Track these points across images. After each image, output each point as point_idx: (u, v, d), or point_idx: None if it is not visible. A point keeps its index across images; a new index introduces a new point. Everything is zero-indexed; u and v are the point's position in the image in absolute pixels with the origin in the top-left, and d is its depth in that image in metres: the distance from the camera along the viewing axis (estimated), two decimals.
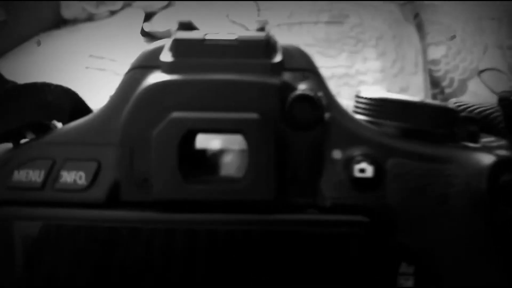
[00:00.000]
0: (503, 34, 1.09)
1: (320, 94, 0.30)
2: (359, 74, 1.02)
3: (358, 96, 0.33)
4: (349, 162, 0.30)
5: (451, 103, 0.37)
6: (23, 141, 0.32)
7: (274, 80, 0.30)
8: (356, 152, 0.30)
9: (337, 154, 0.30)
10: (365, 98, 0.32)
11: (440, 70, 1.08)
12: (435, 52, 1.08)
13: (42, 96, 0.33)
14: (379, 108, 0.32)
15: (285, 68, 0.31)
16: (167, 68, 0.30)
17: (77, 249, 0.29)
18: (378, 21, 1.08)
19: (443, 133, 0.32)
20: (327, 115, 0.30)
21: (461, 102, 0.36)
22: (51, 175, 0.30)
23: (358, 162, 0.30)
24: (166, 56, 0.31)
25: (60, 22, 1.15)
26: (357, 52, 1.05)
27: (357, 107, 0.33)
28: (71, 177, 0.30)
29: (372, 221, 0.29)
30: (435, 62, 1.07)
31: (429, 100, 0.32)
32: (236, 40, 0.30)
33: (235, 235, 0.30)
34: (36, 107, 0.32)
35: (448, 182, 0.30)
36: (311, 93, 0.29)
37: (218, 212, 0.29)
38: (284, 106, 0.29)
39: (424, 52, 1.08)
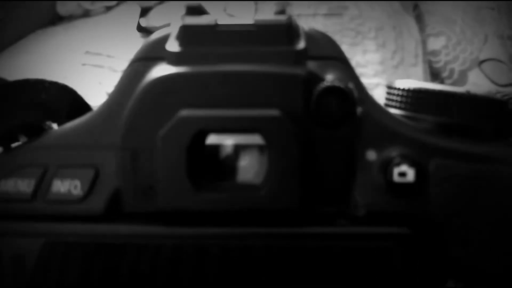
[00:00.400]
0: (503, 24, 1.05)
1: (350, 85, 0.24)
2: (359, 67, 0.97)
3: (391, 88, 0.28)
4: (386, 165, 0.25)
5: (493, 94, 0.31)
6: (14, 144, 0.28)
7: (298, 71, 0.25)
8: (394, 152, 0.25)
9: (371, 155, 0.25)
10: (401, 89, 0.27)
11: (440, 61, 1.03)
12: (435, 43, 1.03)
13: (35, 94, 0.29)
14: (418, 100, 0.26)
15: (310, 57, 0.25)
16: (174, 59, 0.25)
17: (72, 269, 0.26)
18: (378, 12, 1.03)
19: (491, 129, 0.26)
20: (359, 109, 0.25)
21: (505, 93, 0.31)
22: (43, 184, 0.26)
23: (397, 164, 0.25)
24: (173, 46, 0.26)
25: (55, 19, 1.10)
26: (356, 44, 1.00)
27: (389, 100, 0.28)
28: (65, 186, 0.26)
29: (414, 233, 0.24)
30: (435, 53, 1.02)
31: (474, 91, 0.26)
32: (253, 25, 0.25)
33: (254, 252, 0.25)
34: (29, 106, 0.29)
35: (501, 185, 0.25)
36: (340, 85, 0.24)
37: (233, 225, 0.25)
38: (310, 101, 0.24)
39: (424, 43, 1.04)
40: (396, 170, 0.25)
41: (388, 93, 0.28)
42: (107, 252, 0.25)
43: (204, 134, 0.25)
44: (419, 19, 1.07)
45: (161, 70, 0.25)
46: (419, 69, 1.01)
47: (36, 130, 0.28)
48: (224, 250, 0.25)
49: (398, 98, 0.27)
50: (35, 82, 0.29)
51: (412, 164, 0.24)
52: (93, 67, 0.95)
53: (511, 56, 1.04)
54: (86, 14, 1.11)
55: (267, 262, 0.25)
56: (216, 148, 0.27)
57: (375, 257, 0.24)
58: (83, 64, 0.96)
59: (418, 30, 1.06)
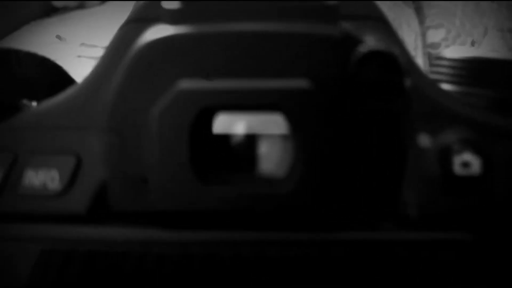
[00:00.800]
0: (503, 16, 0.99)
1: (395, 50, 0.18)
2: None
3: (440, 58, 0.21)
4: (444, 153, 0.19)
5: None
6: None
7: (331, 30, 0.18)
8: (453, 136, 0.19)
9: (425, 140, 0.19)
10: (454, 60, 0.20)
11: (440, 54, 0.98)
12: (435, 36, 0.98)
13: (7, 66, 0.24)
14: (476, 73, 0.20)
15: (343, 15, 0.19)
16: (172, 17, 0.19)
17: (48, 280, 0.20)
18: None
19: None
20: (407, 81, 0.18)
21: None
22: (12, 175, 0.20)
23: (459, 152, 0.18)
24: (171, 2, 0.19)
25: (50, 11, 1.05)
26: None
27: (437, 73, 0.21)
28: (40, 178, 0.20)
29: (479, 240, 0.18)
30: (434, 45, 0.97)
31: None
32: None
33: (276, 263, 0.18)
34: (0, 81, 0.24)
35: None
36: (385, 49, 0.17)
37: (250, 229, 0.18)
38: (347, 69, 0.18)
39: (423, 35, 0.98)
40: (457, 160, 0.18)
41: (436, 65, 0.22)
42: (90, 261, 0.19)
43: (211, 112, 0.19)
44: (419, 11, 1.02)
45: (157, 31, 0.19)
46: (419, 61, 0.96)
47: (9, 110, 0.22)
48: (238, 260, 0.19)
49: (450, 71, 0.21)
50: (7, 51, 0.24)
51: (477, 151, 0.18)
52: (88, 59, 0.90)
53: (510, 48, 0.99)
54: (81, 5, 1.07)
55: (293, 276, 0.18)
56: (226, 135, 0.21)
57: (430, 271, 0.18)
58: (79, 56, 0.91)
59: (418, 22, 1.01)
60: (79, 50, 0.93)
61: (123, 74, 0.19)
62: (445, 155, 0.19)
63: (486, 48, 0.98)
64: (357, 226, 0.19)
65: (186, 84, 0.18)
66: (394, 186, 0.19)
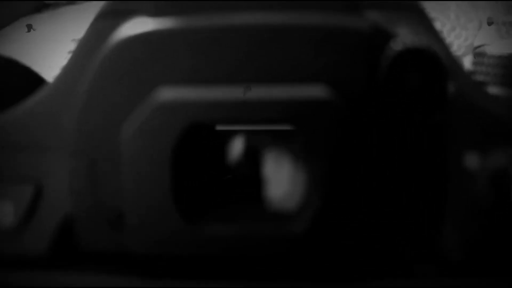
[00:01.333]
0: (498, 9, 0.95)
1: (434, 47, 0.13)
2: None
3: (481, 55, 0.16)
4: (498, 177, 0.14)
5: None
6: None
7: (356, 23, 0.14)
8: (509, 156, 0.14)
9: (473, 161, 0.14)
10: (501, 57, 0.16)
11: (482, 50, 0.94)
12: None
13: None
14: None
15: (369, 3, 0.14)
16: (154, 8, 0.15)
17: None
18: None
19: None
20: (451, 87, 0.13)
21: None
22: None
23: None
24: None
25: (40, 6, 1.00)
26: None
27: (482, 74, 0.16)
28: None
29: None
30: None
31: None
32: None
33: None
34: None
35: None
36: (425, 45, 0.13)
37: (249, 280, 0.14)
38: (376, 72, 0.13)
39: None
40: None
41: (479, 64, 0.17)
42: None
43: (201, 128, 0.14)
44: None
45: (134, 26, 0.14)
46: None
47: None
48: None
49: (497, 70, 0.16)
50: None
51: None
52: None
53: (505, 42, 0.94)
54: (72, 1, 1.01)
55: None
56: (221, 148, 0.16)
57: None
58: (70, 52, 0.86)
59: None
60: (70, 46, 0.88)
61: (93, 80, 0.14)
62: (499, 180, 0.14)
63: (481, 41, 0.94)
64: (389, 272, 0.14)
65: (169, 93, 0.14)
66: (434, 221, 0.14)
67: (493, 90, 0.16)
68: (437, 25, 0.71)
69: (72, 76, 0.16)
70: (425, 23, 0.15)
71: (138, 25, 0.14)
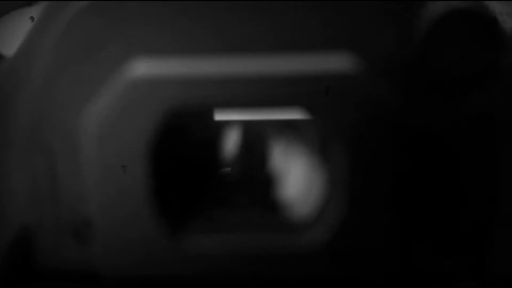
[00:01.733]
0: None
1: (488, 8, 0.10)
2: None
3: None
4: None
5: None
6: None
7: None
8: None
9: None
10: None
11: None
12: None
13: None
14: None
15: None
16: None
17: None
18: None
19: None
20: (503, 59, 0.10)
21: None
22: None
23: None
24: None
25: (32, 0, 0.97)
26: None
27: None
28: None
29: None
30: None
31: None
32: None
33: None
34: None
35: None
36: (476, 5, 0.10)
37: None
38: (411, 42, 0.10)
39: None
40: None
41: None
42: None
43: (188, 113, 0.11)
44: None
45: None
46: None
47: None
48: None
49: None
50: None
51: None
52: None
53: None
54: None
55: None
56: (213, 145, 0.13)
57: None
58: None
59: None
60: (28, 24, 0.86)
61: (46, 63, 0.11)
62: None
63: None
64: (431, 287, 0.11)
65: (144, 67, 0.10)
66: (483, 229, 0.11)
67: None
68: None
69: (26, 55, 0.12)
70: None
71: None
